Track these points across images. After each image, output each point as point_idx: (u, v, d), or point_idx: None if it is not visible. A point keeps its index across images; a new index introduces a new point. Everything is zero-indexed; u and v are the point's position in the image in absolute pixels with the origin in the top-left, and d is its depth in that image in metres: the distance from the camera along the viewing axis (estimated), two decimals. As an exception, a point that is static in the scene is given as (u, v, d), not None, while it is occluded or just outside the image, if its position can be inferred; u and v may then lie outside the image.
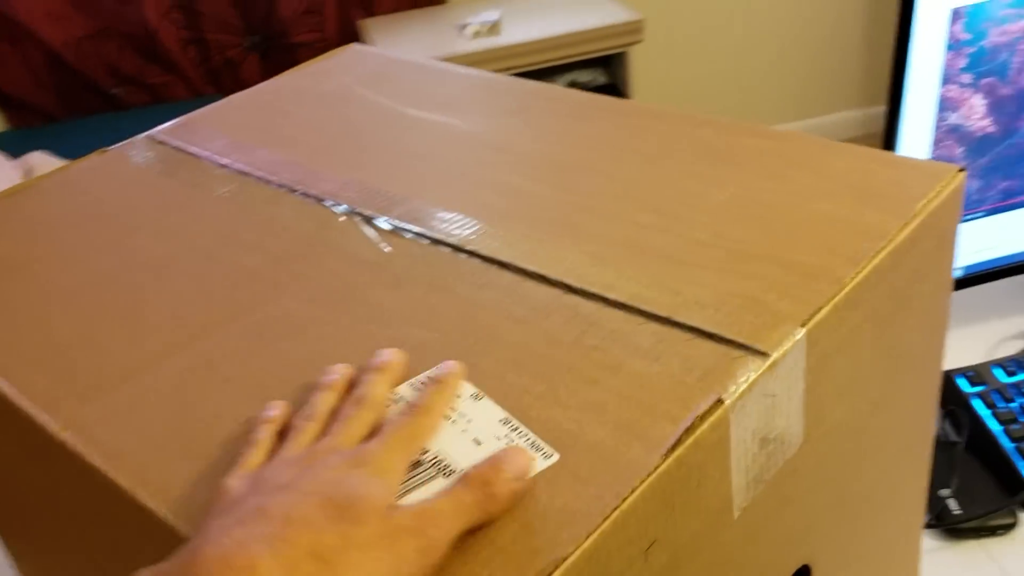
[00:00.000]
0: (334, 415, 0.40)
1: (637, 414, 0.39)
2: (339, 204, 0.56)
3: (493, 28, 2.05)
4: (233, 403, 0.43)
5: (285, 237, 0.55)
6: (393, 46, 2.04)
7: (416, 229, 0.53)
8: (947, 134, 0.75)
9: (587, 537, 0.34)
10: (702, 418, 0.38)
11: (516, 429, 0.39)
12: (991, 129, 0.76)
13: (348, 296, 0.49)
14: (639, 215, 0.52)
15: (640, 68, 2.21)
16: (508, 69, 2.02)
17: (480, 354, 0.43)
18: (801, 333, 0.42)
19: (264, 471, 0.37)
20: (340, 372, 0.42)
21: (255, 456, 0.39)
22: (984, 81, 0.73)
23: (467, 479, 0.35)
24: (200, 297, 0.51)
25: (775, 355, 0.41)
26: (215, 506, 0.35)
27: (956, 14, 0.70)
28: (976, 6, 0.70)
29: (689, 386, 0.40)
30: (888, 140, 0.74)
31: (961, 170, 0.52)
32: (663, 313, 0.44)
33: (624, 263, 0.48)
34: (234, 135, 0.67)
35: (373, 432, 0.39)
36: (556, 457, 0.37)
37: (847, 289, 0.44)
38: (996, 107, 0.74)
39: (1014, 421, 0.80)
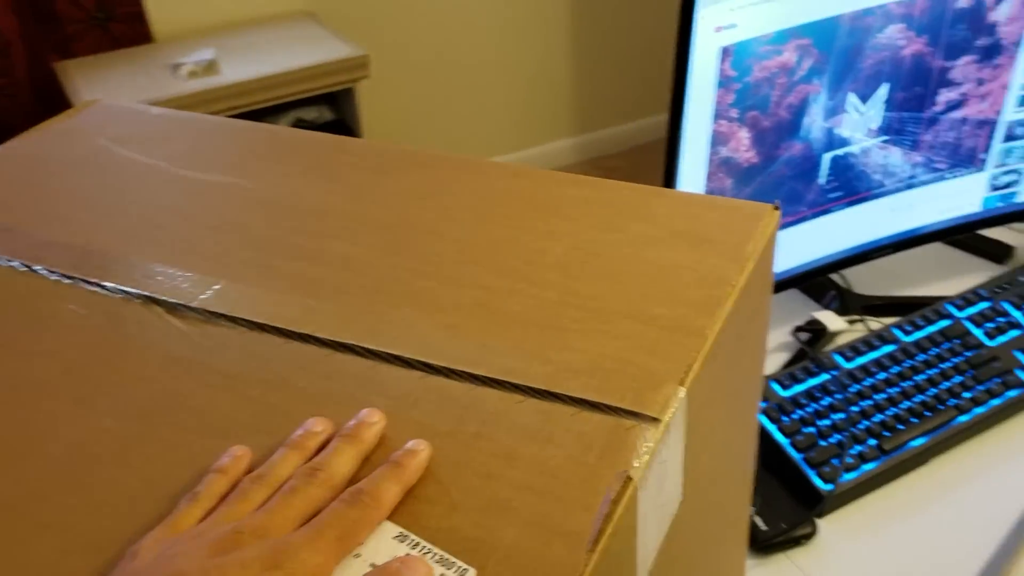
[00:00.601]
0: (286, 482, 0.35)
1: (547, 507, 0.36)
2: (132, 291, 0.48)
3: (210, 67, 1.94)
4: (55, 555, 0.35)
5: (74, 338, 0.46)
6: (100, 91, 1.86)
7: (233, 314, 0.46)
8: (719, 167, 0.79)
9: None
10: (615, 501, 0.36)
11: (416, 545, 0.34)
12: (755, 160, 0.80)
13: (171, 405, 0.42)
14: (484, 277, 0.48)
15: (367, 103, 2.18)
16: (230, 109, 1.92)
17: (350, 457, 0.38)
18: (682, 392, 0.41)
19: (179, 543, 0.32)
20: (314, 430, 0.37)
21: (190, 514, 0.34)
22: (749, 115, 0.77)
23: None
24: (-28, 424, 0.41)
25: (665, 419, 0.39)
26: (120, 565, 0.32)
27: (725, 52, 0.74)
28: (740, 44, 0.74)
29: (592, 467, 0.37)
30: (668, 175, 0.77)
31: (776, 208, 0.54)
32: (540, 386, 0.41)
33: (482, 333, 0.44)
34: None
35: (312, 515, 0.34)
36: (473, 572, 0.33)
37: (710, 341, 0.44)
38: (759, 139, 0.79)
39: (798, 432, 0.86)
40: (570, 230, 0.52)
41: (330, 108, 2.18)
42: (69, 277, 0.50)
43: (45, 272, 0.50)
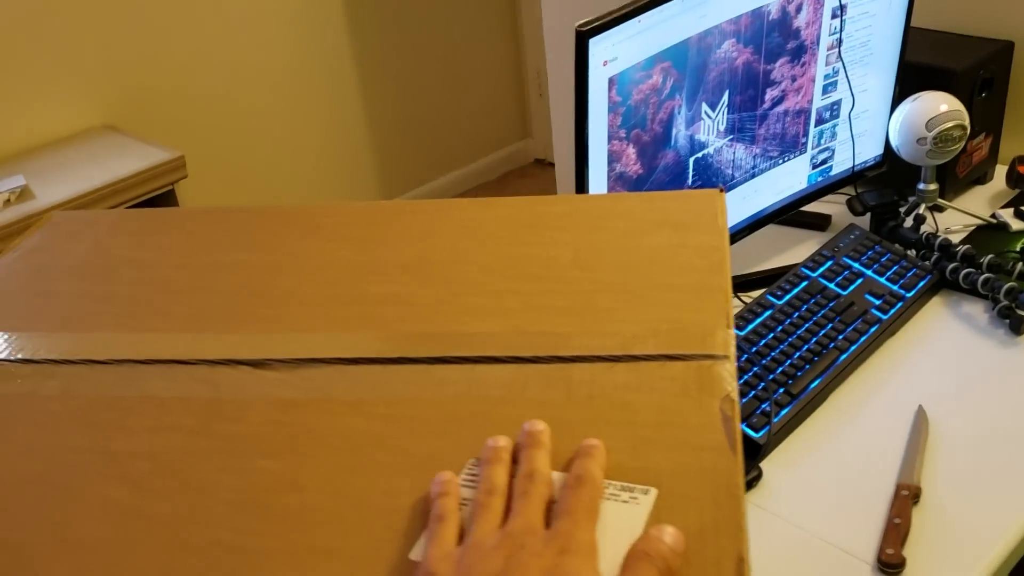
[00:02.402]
0: (510, 491, 0.40)
1: (682, 433, 0.44)
2: (210, 365, 0.53)
3: (23, 194, 1.88)
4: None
5: (171, 426, 0.50)
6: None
7: (335, 356, 0.52)
8: (616, 181, 0.91)
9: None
10: (731, 416, 0.45)
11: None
12: (640, 171, 0.93)
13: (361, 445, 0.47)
14: (519, 286, 0.56)
15: (188, 201, 2.17)
16: (52, 230, 1.85)
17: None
18: (732, 331, 0.51)
19: (468, 554, 0.37)
20: (501, 444, 0.42)
21: (446, 531, 0.38)
22: (633, 133, 0.89)
23: (647, 556, 0.36)
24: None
25: (730, 353, 0.49)
26: None
27: (611, 82, 0.85)
28: (622, 73, 0.85)
29: (697, 398, 0.46)
30: (580, 191, 0.87)
31: (721, 191, 0.65)
32: (618, 352, 0.49)
33: (543, 325, 0.52)
34: (7, 326, 0.57)
35: (546, 510, 0.39)
36: (654, 490, 0.41)
37: (729, 293, 0.54)
38: (642, 152, 0.91)
39: (724, 394, 0.98)
40: (568, 238, 0.61)
41: (149, 212, 2.15)
42: (132, 361, 0.53)
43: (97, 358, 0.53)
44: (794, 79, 1.08)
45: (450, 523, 0.39)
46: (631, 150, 0.90)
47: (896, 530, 0.83)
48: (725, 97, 1.01)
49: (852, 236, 1.20)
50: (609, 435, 0.44)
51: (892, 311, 1.09)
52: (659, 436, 0.44)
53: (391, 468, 0.44)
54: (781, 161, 1.15)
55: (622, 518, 0.40)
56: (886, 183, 1.28)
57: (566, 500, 0.40)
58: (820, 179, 1.22)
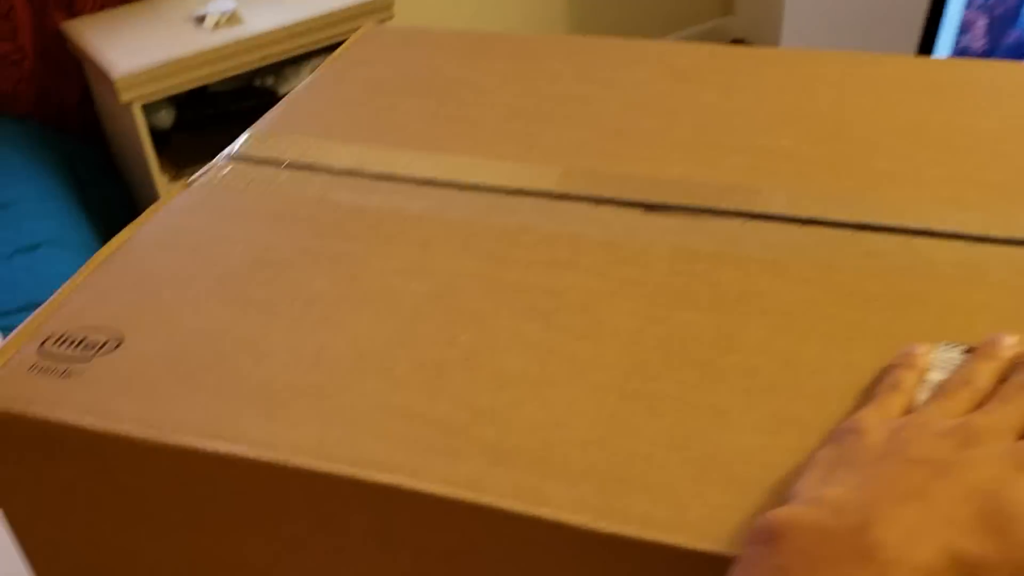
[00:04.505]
0: (992, 391, 0.34)
1: None
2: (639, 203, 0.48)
3: (232, 18, 1.87)
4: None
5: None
6: (116, 49, 1.77)
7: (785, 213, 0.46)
8: (957, 56, 0.81)
9: None
10: None
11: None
12: (986, 47, 0.83)
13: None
14: (947, 155, 0.49)
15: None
16: (256, 61, 1.85)
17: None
18: None
19: (908, 427, 0.32)
20: (1006, 343, 0.36)
21: (895, 401, 0.34)
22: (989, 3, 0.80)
23: None
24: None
25: None
26: (845, 444, 0.32)
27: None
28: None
29: None
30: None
31: None
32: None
33: (985, 205, 0.45)
34: (355, 138, 0.54)
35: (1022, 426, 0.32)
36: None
37: None
38: (991, 27, 0.81)
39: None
40: (987, 106, 0.53)
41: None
42: (492, 189, 0.49)
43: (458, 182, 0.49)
44: None
45: (901, 396, 0.34)
46: (982, 22, 0.81)
47: None
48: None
49: None
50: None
51: None
52: None
53: (840, 339, 0.38)
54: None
55: None
56: None
57: None
58: None
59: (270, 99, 1.92)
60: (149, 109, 1.73)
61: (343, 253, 0.45)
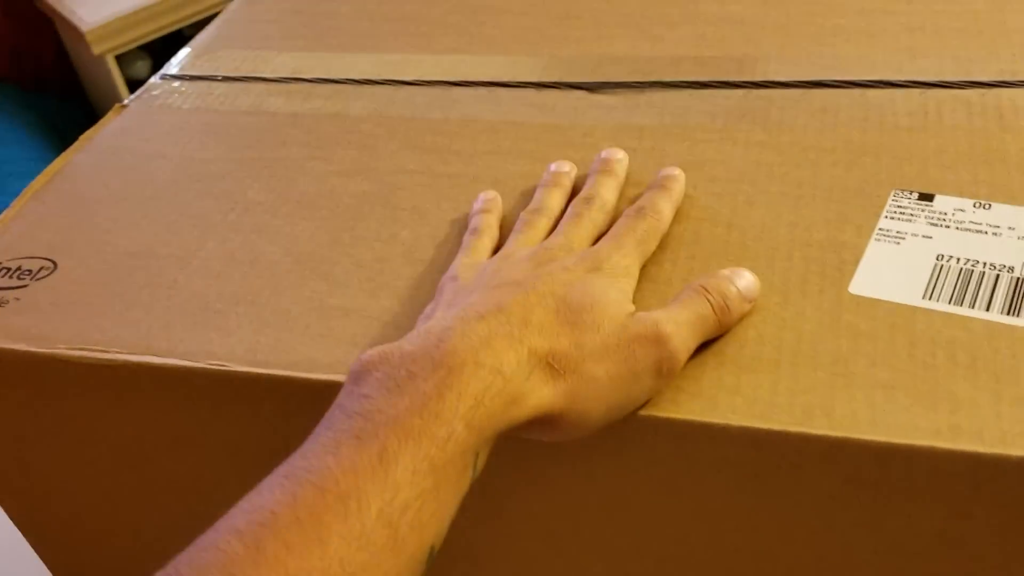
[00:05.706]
0: (563, 214, 0.37)
1: None
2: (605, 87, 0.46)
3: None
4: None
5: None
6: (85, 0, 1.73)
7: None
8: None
9: None
10: None
11: None
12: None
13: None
14: (901, 5, 0.47)
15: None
16: (225, 1, 1.80)
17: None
18: None
19: (495, 262, 0.34)
20: (566, 169, 0.39)
21: (480, 244, 0.36)
22: None
23: (705, 290, 0.32)
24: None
25: None
26: (444, 292, 0.34)
27: None
28: None
29: None
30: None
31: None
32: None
33: (941, 52, 0.43)
34: (293, 47, 0.52)
35: (601, 235, 0.35)
36: None
37: None
38: None
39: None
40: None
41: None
42: (443, 83, 0.47)
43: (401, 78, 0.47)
44: None
45: (485, 238, 0.37)
46: None
47: None
48: None
49: None
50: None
51: None
52: None
53: (790, 198, 0.37)
54: None
55: None
56: None
57: (617, 227, 0.35)
58: None
59: (246, 39, 1.87)
60: (124, 60, 1.70)
61: (279, 159, 0.44)
